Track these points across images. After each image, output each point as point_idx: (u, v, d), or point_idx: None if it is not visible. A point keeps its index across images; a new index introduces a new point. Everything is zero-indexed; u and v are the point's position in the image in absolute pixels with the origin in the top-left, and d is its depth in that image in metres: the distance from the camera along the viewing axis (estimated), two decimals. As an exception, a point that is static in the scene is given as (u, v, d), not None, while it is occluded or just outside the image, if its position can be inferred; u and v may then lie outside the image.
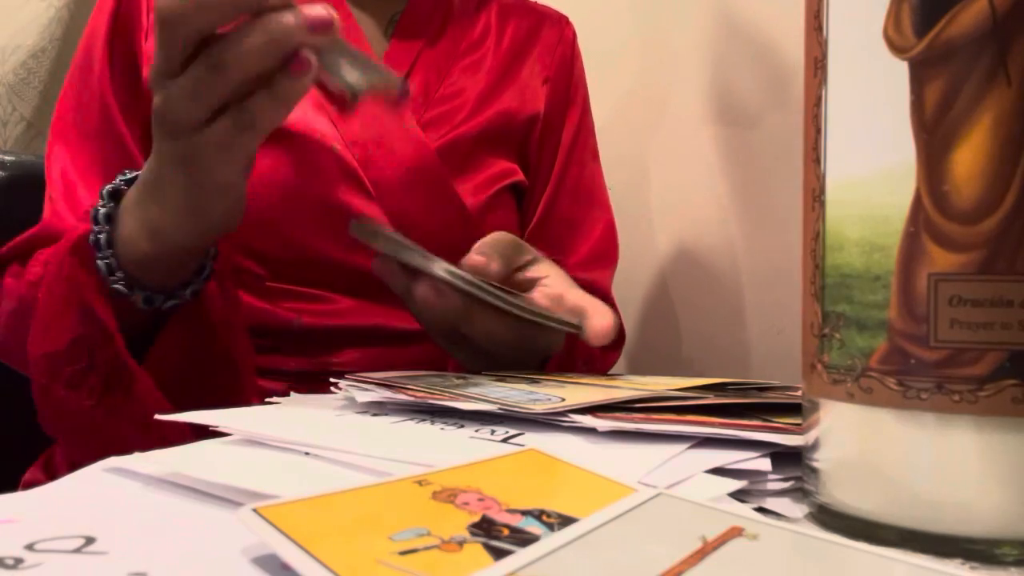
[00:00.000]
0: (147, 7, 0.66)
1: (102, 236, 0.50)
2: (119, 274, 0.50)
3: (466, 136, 0.72)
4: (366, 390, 0.44)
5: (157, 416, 0.40)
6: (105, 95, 0.65)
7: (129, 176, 0.52)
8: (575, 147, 0.82)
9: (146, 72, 0.65)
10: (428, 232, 0.68)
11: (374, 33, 0.75)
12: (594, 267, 0.79)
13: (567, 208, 0.80)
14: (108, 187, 0.51)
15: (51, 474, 0.67)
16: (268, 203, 0.64)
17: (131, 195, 0.51)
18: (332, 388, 0.47)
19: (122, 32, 0.66)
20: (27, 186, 0.82)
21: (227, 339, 0.55)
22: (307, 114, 0.66)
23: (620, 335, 0.76)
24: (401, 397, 0.42)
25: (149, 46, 0.66)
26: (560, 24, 0.85)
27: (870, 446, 0.28)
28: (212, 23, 0.42)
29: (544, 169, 0.80)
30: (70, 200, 0.62)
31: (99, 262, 0.50)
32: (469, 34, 0.78)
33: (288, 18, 0.41)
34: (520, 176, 0.77)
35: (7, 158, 0.85)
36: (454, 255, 0.70)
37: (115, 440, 0.51)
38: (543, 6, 0.86)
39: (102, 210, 0.51)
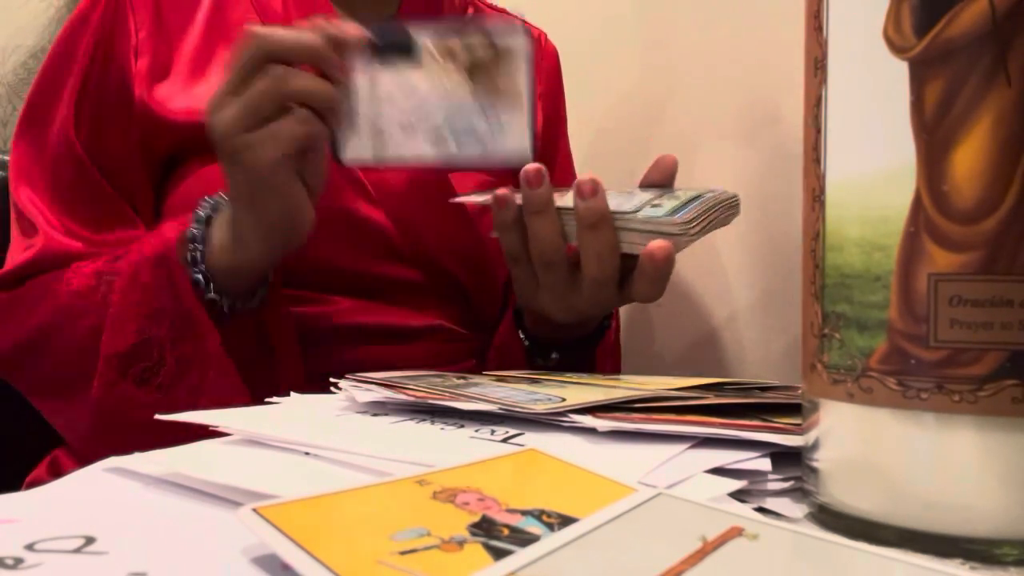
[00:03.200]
0: (135, 26, 0.66)
1: (197, 253, 0.57)
2: (211, 284, 0.57)
3: None
4: (366, 390, 0.44)
5: (157, 416, 0.40)
6: (66, 118, 0.65)
7: (212, 200, 0.59)
8: (565, 164, 0.87)
9: (137, 91, 0.65)
10: (431, 234, 0.68)
11: None
12: None
13: None
14: (199, 211, 0.58)
15: (56, 474, 0.67)
16: None
17: (221, 214, 0.58)
18: (332, 388, 0.47)
19: (105, 50, 0.66)
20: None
21: (279, 341, 0.62)
22: None
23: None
24: (401, 397, 0.42)
25: (140, 68, 0.66)
26: (542, 39, 0.88)
27: (870, 446, 0.28)
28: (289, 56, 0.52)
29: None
30: (53, 226, 0.65)
31: (196, 275, 0.57)
32: None
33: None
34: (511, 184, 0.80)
35: (8, 158, 0.85)
36: (459, 256, 0.70)
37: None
38: (522, 20, 0.88)
39: (195, 230, 0.57)
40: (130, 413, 0.56)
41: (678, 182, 0.62)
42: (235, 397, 0.56)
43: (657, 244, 0.51)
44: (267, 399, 0.46)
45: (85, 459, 0.66)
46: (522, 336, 0.68)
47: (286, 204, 0.54)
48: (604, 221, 0.53)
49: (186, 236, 0.58)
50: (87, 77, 0.66)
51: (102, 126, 0.66)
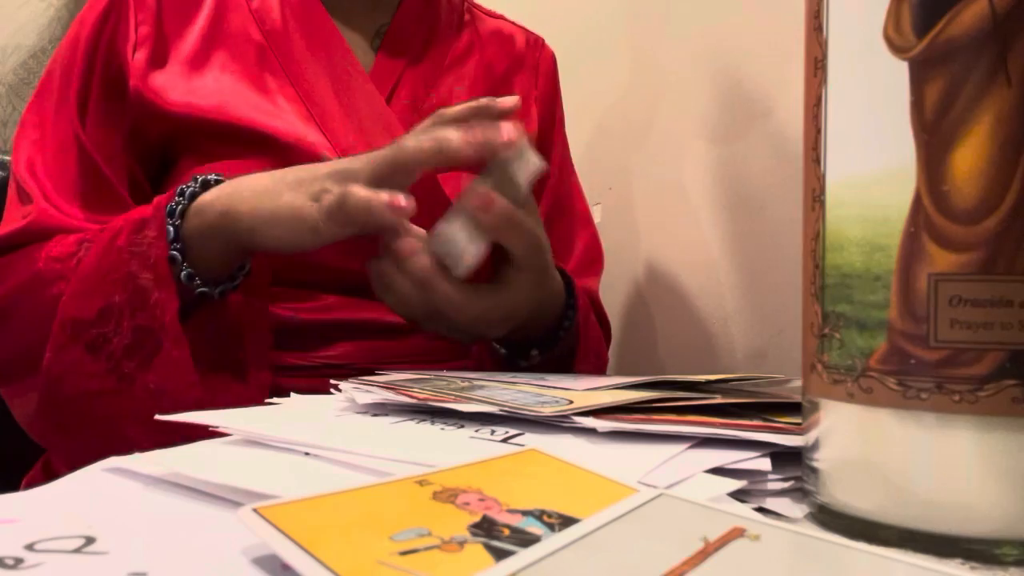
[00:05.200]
0: (135, 22, 0.67)
1: (177, 207, 0.56)
2: (178, 244, 0.55)
3: None
4: (367, 392, 0.44)
5: (157, 416, 0.40)
6: (72, 114, 0.66)
7: (219, 176, 0.58)
8: (562, 166, 0.87)
9: (132, 83, 0.66)
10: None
11: (361, 46, 0.76)
12: (584, 274, 0.83)
13: (558, 224, 0.84)
14: (201, 177, 0.58)
15: (50, 476, 0.67)
16: None
17: (229, 183, 0.57)
18: (332, 390, 0.47)
19: (107, 45, 0.67)
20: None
21: (242, 342, 0.61)
22: (297, 126, 0.67)
23: (608, 333, 0.82)
24: (403, 399, 0.42)
25: (138, 60, 0.66)
26: (539, 43, 0.89)
27: (870, 446, 0.28)
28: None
29: (536, 189, 0.84)
30: (50, 202, 0.64)
31: (168, 226, 0.55)
32: (454, 48, 0.80)
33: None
34: None
35: (7, 158, 0.85)
36: None
37: (113, 431, 0.55)
38: (519, 26, 0.89)
39: (186, 186, 0.57)
40: (77, 382, 0.55)
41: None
42: (184, 375, 0.54)
43: (482, 193, 0.53)
44: (268, 400, 0.46)
45: (76, 461, 0.67)
46: (496, 346, 0.68)
47: (298, 233, 0.53)
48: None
49: (176, 191, 0.56)
50: (91, 68, 0.66)
51: (101, 118, 0.66)
